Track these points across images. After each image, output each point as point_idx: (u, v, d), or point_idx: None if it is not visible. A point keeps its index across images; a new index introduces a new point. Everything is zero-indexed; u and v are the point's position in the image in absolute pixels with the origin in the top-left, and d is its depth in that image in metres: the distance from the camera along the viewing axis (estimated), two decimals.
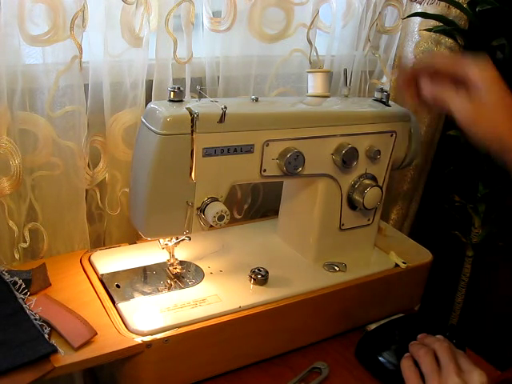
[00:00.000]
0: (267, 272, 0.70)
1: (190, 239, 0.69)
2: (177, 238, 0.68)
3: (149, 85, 0.76)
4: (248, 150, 0.65)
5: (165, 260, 0.71)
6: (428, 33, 0.97)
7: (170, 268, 0.70)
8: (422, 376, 0.59)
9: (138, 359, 0.58)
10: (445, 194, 1.14)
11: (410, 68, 0.62)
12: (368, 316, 0.77)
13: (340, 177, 0.73)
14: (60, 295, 0.63)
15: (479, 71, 0.56)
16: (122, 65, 0.73)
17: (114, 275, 0.69)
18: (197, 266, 0.73)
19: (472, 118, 0.56)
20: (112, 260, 0.72)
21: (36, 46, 0.65)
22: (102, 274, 0.68)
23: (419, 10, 0.96)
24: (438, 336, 0.63)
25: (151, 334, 0.59)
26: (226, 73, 0.82)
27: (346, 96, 0.79)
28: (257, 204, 0.96)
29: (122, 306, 0.63)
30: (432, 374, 0.57)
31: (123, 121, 0.75)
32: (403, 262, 0.77)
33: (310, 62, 0.88)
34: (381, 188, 0.75)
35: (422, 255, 0.81)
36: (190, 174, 0.62)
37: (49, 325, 0.57)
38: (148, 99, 0.75)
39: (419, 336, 0.64)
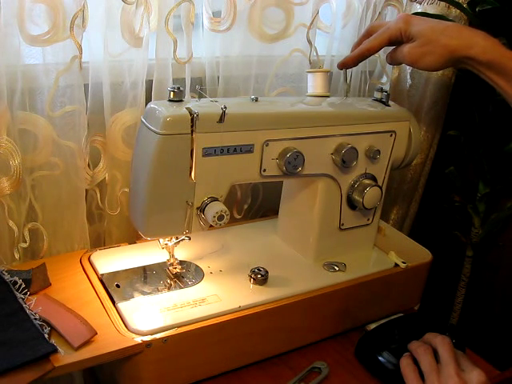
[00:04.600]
0: (267, 272, 0.70)
1: (189, 239, 0.69)
2: (177, 238, 0.68)
3: (149, 85, 0.76)
4: (248, 149, 0.65)
5: (165, 260, 0.71)
6: None
7: (170, 268, 0.70)
8: (421, 374, 0.59)
9: (137, 359, 0.58)
10: (445, 194, 1.14)
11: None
12: (368, 316, 0.77)
13: (340, 177, 0.73)
14: (60, 295, 0.63)
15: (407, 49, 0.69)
16: (122, 65, 0.73)
17: (113, 275, 0.69)
18: (197, 265, 0.73)
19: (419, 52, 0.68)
20: (112, 260, 0.72)
21: (36, 45, 0.65)
22: (102, 274, 0.68)
23: (419, 10, 0.96)
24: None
25: (151, 334, 0.59)
26: (226, 73, 0.82)
27: (346, 91, 0.80)
28: (257, 204, 0.96)
29: (121, 305, 0.63)
30: (432, 372, 0.57)
31: (123, 121, 0.75)
32: (403, 262, 0.77)
33: (310, 62, 0.88)
34: (380, 188, 0.75)
35: (422, 255, 0.81)
36: (190, 173, 0.62)
37: (49, 324, 0.57)
38: (148, 99, 0.75)
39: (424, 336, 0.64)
